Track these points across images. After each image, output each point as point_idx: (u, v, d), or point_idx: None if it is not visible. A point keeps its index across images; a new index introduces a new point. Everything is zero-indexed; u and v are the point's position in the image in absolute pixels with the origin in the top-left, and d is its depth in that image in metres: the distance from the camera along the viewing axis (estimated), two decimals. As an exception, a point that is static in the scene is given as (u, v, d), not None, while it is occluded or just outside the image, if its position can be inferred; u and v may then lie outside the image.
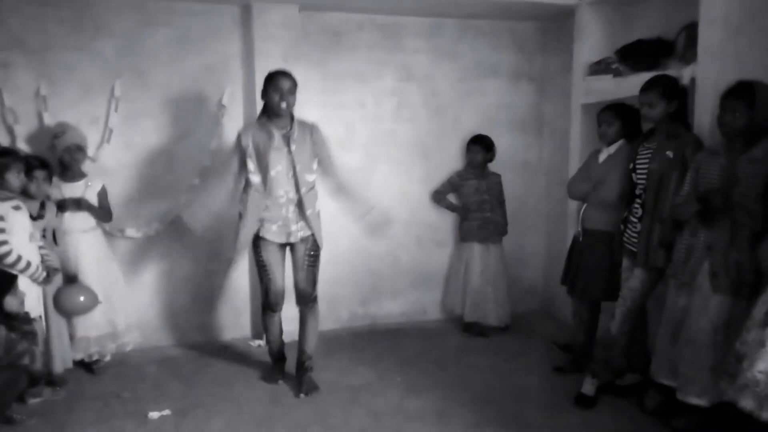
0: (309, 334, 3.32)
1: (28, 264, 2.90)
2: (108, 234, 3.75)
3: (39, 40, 3.59)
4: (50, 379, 3.19)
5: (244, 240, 3.18)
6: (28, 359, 2.70)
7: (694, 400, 2.62)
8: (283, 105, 3.05)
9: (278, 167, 3.09)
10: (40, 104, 3.59)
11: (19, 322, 2.78)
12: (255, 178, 3.13)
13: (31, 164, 3.15)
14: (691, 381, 2.61)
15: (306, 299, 3.27)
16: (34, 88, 3.59)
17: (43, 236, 3.20)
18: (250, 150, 3.10)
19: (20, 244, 2.88)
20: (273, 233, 3.19)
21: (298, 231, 3.20)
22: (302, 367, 3.33)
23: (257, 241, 3.21)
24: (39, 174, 3.15)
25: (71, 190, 3.41)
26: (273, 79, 3.06)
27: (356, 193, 3.31)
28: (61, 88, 3.65)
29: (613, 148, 3.35)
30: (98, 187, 3.51)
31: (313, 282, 3.28)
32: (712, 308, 2.58)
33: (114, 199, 3.68)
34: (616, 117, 3.31)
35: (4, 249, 2.81)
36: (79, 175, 3.47)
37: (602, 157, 3.39)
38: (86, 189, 3.45)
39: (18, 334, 2.74)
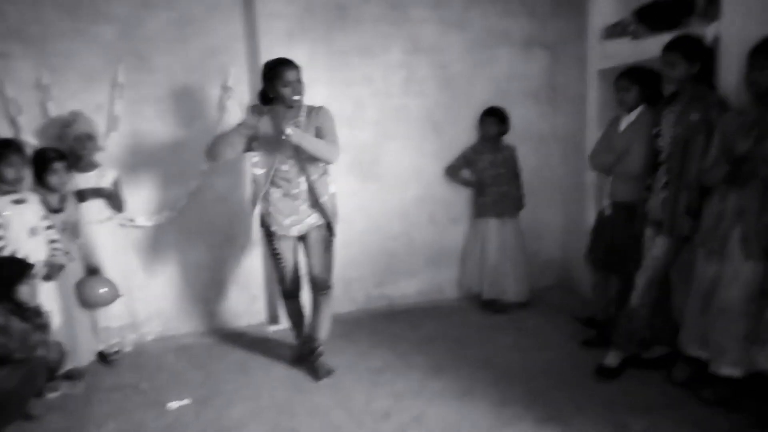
0: (322, 321, 3.26)
1: (31, 266, 2.85)
2: (118, 223, 3.71)
3: (37, 29, 3.50)
4: (68, 373, 3.17)
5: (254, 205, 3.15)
6: (43, 350, 2.67)
7: (728, 371, 2.54)
8: (297, 97, 2.96)
9: (290, 161, 3.05)
10: (44, 94, 3.52)
11: (30, 312, 2.74)
12: (258, 171, 3.09)
13: (50, 156, 3.11)
14: (724, 352, 2.53)
15: (321, 286, 3.22)
16: (36, 78, 3.51)
17: (64, 229, 3.16)
18: (260, 141, 3.05)
19: (17, 239, 2.83)
20: (285, 227, 3.13)
21: (312, 221, 3.14)
22: (314, 352, 3.27)
23: (269, 231, 3.16)
24: (58, 166, 3.11)
25: (85, 180, 3.36)
26: (278, 72, 2.94)
27: (314, 138, 3.02)
28: (63, 77, 3.57)
29: (633, 115, 3.22)
30: (111, 177, 3.47)
31: (328, 268, 3.22)
32: (745, 275, 2.49)
33: (123, 188, 3.62)
34: (633, 82, 3.18)
35: None
36: (91, 165, 3.42)
37: (623, 125, 3.27)
38: (100, 179, 3.40)
39: (32, 325, 2.71)
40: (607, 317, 3.46)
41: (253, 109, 3.04)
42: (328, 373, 3.23)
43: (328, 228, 3.18)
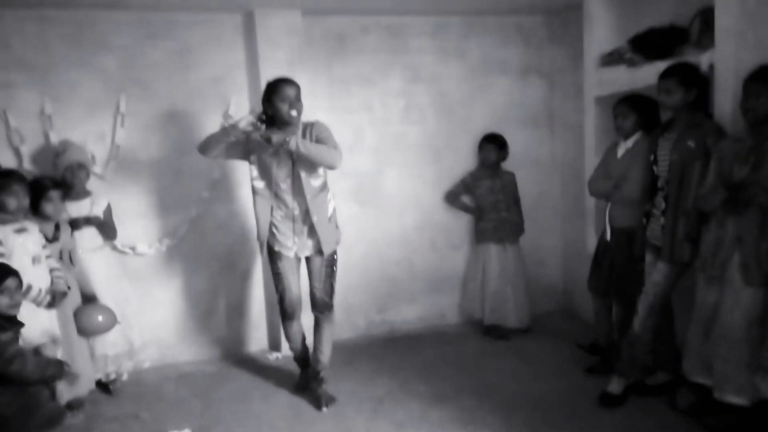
0: (324, 342, 3.25)
1: (29, 287, 2.85)
2: (119, 251, 3.72)
3: (41, 59, 3.55)
4: (68, 403, 3.13)
5: (262, 236, 3.14)
6: (18, 364, 2.60)
7: (733, 399, 2.52)
8: (294, 113, 2.97)
9: (288, 180, 3.06)
10: (46, 123, 3.55)
11: (7, 321, 2.67)
12: (258, 184, 3.10)
13: (45, 185, 3.12)
14: (728, 379, 2.52)
15: (322, 308, 3.22)
16: (39, 107, 3.55)
17: (60, 258, 3.16)
18: (255, 158, 3.07)
19: (21, 267, 2.83)
20: (289, 249, 3.15)
21: (314, 245, 3.14)
22: (317, 378, 3.26)
23: (272, 251, 3.16)
24: (54, 194, 3.12)
25: (77, 208, 3.37)
26: (277, 88, 2.97)
27: (315, 143, 3.01)
28: (65, 106, 3.61)
29: (630, 142, 3.26)
30: (104, 205, 3.47)
31: (330, 291, 3.22)
32: (745, 302, 2.49)
33: (124, 216, 3.64)
34: (632, 109, 3.21)
35: None
36: (84, 194, 3.42)
37: (620, 151, 3.30)
38: (92, 207, 3.41)
39: (9, 335, 2.64)
40: (609, 343, 3.44)
41: (257, 116, 3.00)
42: (331, 401, 3.21)
43: (331, 252, 3.18)
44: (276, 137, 2.91)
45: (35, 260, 2.94)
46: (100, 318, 3.18)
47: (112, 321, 3.24)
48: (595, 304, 3.50)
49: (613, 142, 3.43)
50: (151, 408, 3.27)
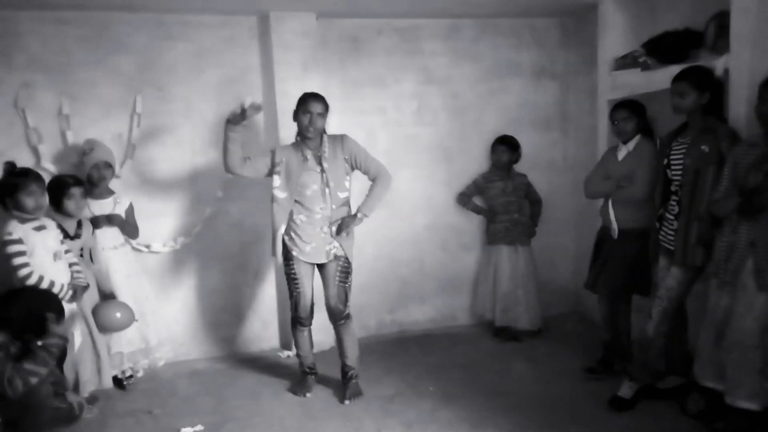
0: (347, 348, 3.32)
1: (52, 283, 2.90)
2: (134, 249, 3.76)
3: (59, 59, 3.61)
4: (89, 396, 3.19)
5: (277, 247, 3.22)
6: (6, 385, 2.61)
7: (744, 404, 2.51)
8: (311, 129, 3.07)
9: (314, 186, 3.12)
10: (63, 123, 3.61)
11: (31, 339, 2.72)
12: (280, 194, 3.16)
13: (67, 183, 3.17)
14: (740, 384, 2.51)
15: (338, 317, 3.25)
16: (56, 107, 3.60)
17: (81, 255, 3.21)
18: (282, 167, 3.13)
19: (43, 264, 2.88)
20: (306, 254, 3.18)
21: (332, 251, 3.19)
22: (346, 375, 3.34)
23: (289, 255, 3.20)
24: (75, 191, 3.17)
25: (100, 207, 3.42)
26: (304, 101, 3.09)
27: (369, 196, 3.22)
28: (82, 106, 3.66)
29: (631, 145, 3.34)
30: (126, 204, 3.52)
31: (345, 299, 3.25)
32: (759, 307, 2.48)
33: (139, 215, 3.68)
34: (632, 113, 3.30)
35: (24, 271, 2.83)
36: (107, 192, 3.48)
37: (621, 154, 3.38)
38: (115, 206, 3.47)
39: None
40: (611, 344, 3.47)
41: (275, 151, 3.18)
42: (357, 395, 3.27)
43: (346, 258, 3.22)
44: (349, 226, 3.17)
45: (56, 256, 2.99)
46: (118, 315, 3.22)
47: (130, 318, 3.27)
48: (599, 304, 3.50)
49: (611, 146, 3.51)
50: (164, 404, 3.32)
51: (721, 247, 2.64)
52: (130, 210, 3.54)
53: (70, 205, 3.16)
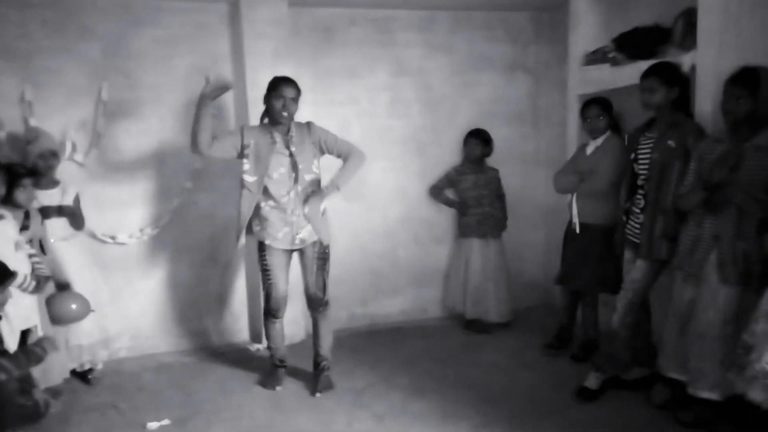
0: (323, 337, 3.31)
1: (14, 273, 2.81)
2: (99, 240, 3.68)
3: (22, 44, 3.50)
4: (47, 389, 3.11)
5: (241, 228, 3.16)
6: (2, 375, 2.54)
7: (706, 394, 2.58)
8: (285, 114, 3.03)
9: (281, 169, 3.08)
10: (26, 110, 3.50)
11: None
12: (249, 179, 3.09)
13: (18, 172, 3.06)
14: (702, 375, 2.57)
15: (317, 304, 3.24)
16: (19, 94, 3.50)
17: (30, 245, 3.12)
18: (251, 150, 3.07)
19: (5, 255, 2.79)
20: (279, 241, 3.14)
21: (306, 236, 3.15)
22: (318, 366, 3.33)
23: (262, 246, 3.16)
24: (26, 182, 3.06)
25: (48, 197, 3.30)
26: (277, 85, 3.03)
27: (342, 169, 3.17)
28: (46, 93, 3.56)
29: (600, 140, 3.45)
30: (73, 194, 3.40)
31: (323, 286, 3.24)
32: (721, 300, 2.54)
33: (104, 205, 3.61)
34: (604, 110, 3.42)
35: None
36: (53, 183, 3.35)
37: (589, 149, 3.49)
38: (63, 196, 3.35)
39: None
40: (565, 327, 3.71)
41: (243, 130, 3.12)
42: (327, 388, 3.25)
43: (322, 245, 3.19)
44: (319, 203, 3.11)
45: (17, 246, 2.90)
46: (73, 306, 3.13)
47: (85, 309, 3.18)
48: (563, 296, 3.72)
49: (582, 143, 3.60)
50: (129, 398, 3.26)
51: (686, 240, 2.69)
52: (77, 200, 3.42)
53: (20, 195, 3.03)
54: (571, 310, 3.71)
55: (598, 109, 3.40)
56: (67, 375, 3.27)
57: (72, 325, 3.24)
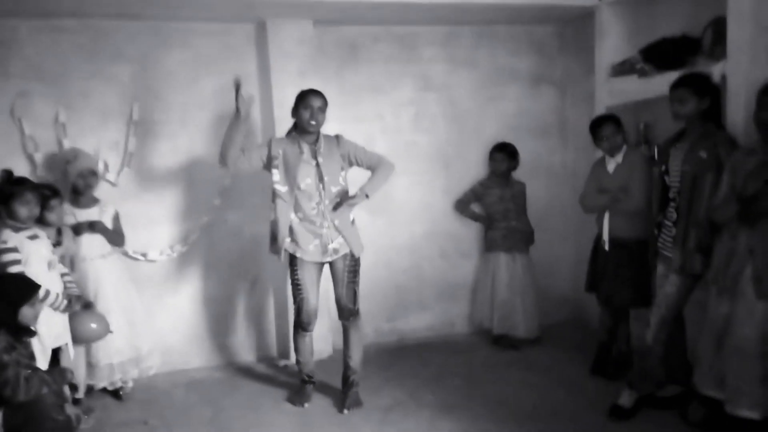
0: (353, 348, 3.31)
1: (47, 293, 2.86)
2: (131, 258, 3.74)
3: (56, 68, 3.60)
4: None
5: (281, 242, 3.16)
6: (9, 390, 2.53)
7: (746, 413, 2.49)
8: (313, 122, 3.08)
9: (307, 180, 3.12)
10: (60, 131, 3.60)
11: (26, 338, 2.67)
12: (281, 188, 3.14)
13: (45, 195, 3.12)
14: (741, 393, 2.48)
15: (348, 313, 3.26)
16: (53, 116, 3.59)
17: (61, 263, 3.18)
18: (279, 160, 3.12)
19: (38, 274, 2.85)
20: (310, 253, 3.16)
21: (337, 247, 3.17)
22: (347, 382, 3.31)
23: (293, 259, 3.18)
24: (55, 203, 3.12)
25: (87, 215, 3.36)
26: (305, 97, 3.10)
27: (372, 177, 3.21)
28: (79, 115, 3.65)
29: (619, 157, 3.40)
30: (112, 213, 3.47)
31: (354, 297, 3.26)
32: (758, 315, 2.46)
33: (136, 223, 3.67)
34: (618, 125, 3.38)
35: None
36: (93, 201, 3.43)
37: (610, 166, 3.43)
38: (101, 214, 3.42)
39: (14, 357, 2.62)
40: (604, 347, 3.57)
41: (271, 142, 3.18)
42: (356, 405, 3.24)
43: (353, 257, 3.21)
44: (348, 211, 3.16)
45: (50, 265, 2.96)
46: (93, 326, 3.13)
47: (105, 329, 3.18)
48: (601, 310, 3.61)
49: (598, 158, 3.54)
50: (160, 414, 3.29)
51: (720, 253, 2.62)
52: (116, 217, 3.49)
53: (51, 216, 3.09)
54: (614, 330, 3.56)
55: (613, 125, 3.36)
56: (82, 395, 3.24)
57: (90, 344, 3.24)
